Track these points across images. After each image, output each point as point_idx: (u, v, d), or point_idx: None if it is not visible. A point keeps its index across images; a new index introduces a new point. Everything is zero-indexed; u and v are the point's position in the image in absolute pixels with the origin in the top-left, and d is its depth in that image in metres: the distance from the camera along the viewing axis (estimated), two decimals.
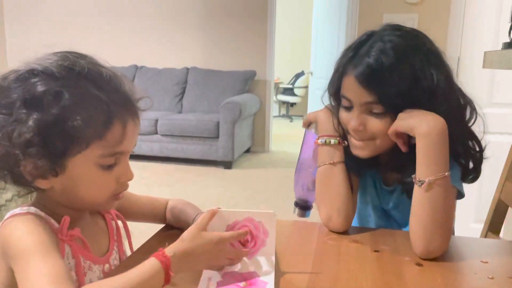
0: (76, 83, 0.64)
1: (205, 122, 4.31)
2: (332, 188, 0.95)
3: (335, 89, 0.95)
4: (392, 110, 0.86)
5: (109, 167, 0.68)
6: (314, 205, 1.03)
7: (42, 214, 0.68)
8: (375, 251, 0.84)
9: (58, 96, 0.62)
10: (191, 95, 4.86)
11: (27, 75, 0.63)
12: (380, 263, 0.80)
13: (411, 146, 0.86)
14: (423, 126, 0.81)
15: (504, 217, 1.29)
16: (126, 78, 0.70)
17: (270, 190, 3.71)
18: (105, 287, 0.57)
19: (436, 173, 0.80)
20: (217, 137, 4.28)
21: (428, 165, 0.81)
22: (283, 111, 8.47)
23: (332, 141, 0.96)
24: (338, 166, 0.96)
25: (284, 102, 8.36)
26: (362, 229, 0.97)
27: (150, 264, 0.60)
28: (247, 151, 4.98)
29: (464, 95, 0.91)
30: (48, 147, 0.62)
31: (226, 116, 4.20)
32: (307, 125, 1.04)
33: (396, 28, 0.90)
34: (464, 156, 0.90)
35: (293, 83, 8.10)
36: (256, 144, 5.10)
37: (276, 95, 7.89)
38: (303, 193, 1.03)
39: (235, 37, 4.97)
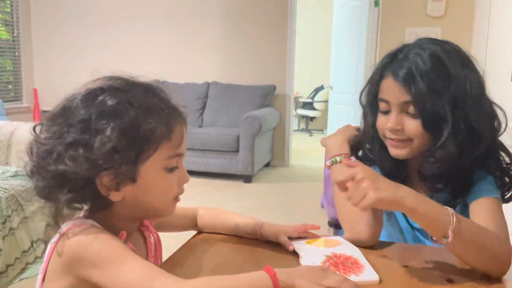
0: (139, 94, 0.70)
1: (225, 136, 4.33)
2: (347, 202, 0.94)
3: (372, 96, 0.98)
4: (422, 112, 0.88)
5: (172, 170, 0.73)
6: None
7: (99, 226, 0.70)
8: (404, 266, 0.83)
9: (130, 104, 0.68)
10: (211, 109, 4.90)
11: (96, 93, 0.68)
12: (409, 278, 0.78)
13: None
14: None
15: None
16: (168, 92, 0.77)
17: (290, 204, 3.68)
18: (217, 281, 0.64)
19: (444, 231, 0.75)
20: (237, 151, 4.30)
21: (431, 230, 0.78)
22: (303, 125, 8.46)
23: (338, 158, 1.01)
24: None
25: (303, 116, 8.35)
26: (389, 244, 0.95)
27: (260, 275, 0.65)
28: (267, 165, 4.98)
29: (494, 104, 0.92)
30: (128, 152, 0.66)
31: (246, 130, 4.22)
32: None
33: (432, 39, 0.94)
34: (496, 169, 0.89)
35: (312, 97, 8.09)
36: (276, 158, 5.10)
37: (295, 109, 7.89)
38: (335, 212, 1.04)
39: (255, 52, 5.01)
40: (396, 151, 0.95)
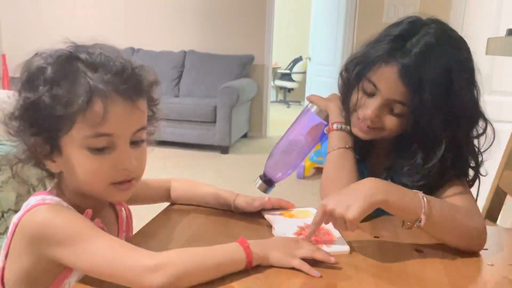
0: (64, 61, 0.65)
1: (202, 106, 4.29)
2: (345, 172, 0.95)
3: (363, 72, 0.89)
4: (414, 114, 0.85)
5: (100, 151, 0.65)
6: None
7: (65, 205, 0.68)
8: (375, 237, 0.84)
9: (42, 71, 0.64)
10: (188, 79, 4.82)
11: (34, 57, 0.67)
12: (379, 249, 0.80)
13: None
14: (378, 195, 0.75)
15: (502, 205, 1.29)
16: (140, 65, 0.70)
17: None
18: (190, 253, 0.64)
19: (416, 216, 0.76)
20: (214, 121, 4.26)
21: (404, 215, 0.78)
22: (280, 97, 8.44)
23: (348, 127, 0.97)
24: (350, 151, 0.97)
25: (281, 88, 8.32)
26: None
27: (233, 247, 0.65)
28: (244, 136, 4.97)
29: (488, 122, 0.90)
30: (37, 120, 0.65)
31: (223, 101, 4.18)
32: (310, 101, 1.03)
33: (447, 31, 0.87)
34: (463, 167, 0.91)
35: (290, 68, 8.05)
36: (253, 129, 5.09)
37: (273, 80, 7.85)
38: (276, 170, 1.02)
39: (233, 21, 4.91)
40: (359, 133, 0.94)
